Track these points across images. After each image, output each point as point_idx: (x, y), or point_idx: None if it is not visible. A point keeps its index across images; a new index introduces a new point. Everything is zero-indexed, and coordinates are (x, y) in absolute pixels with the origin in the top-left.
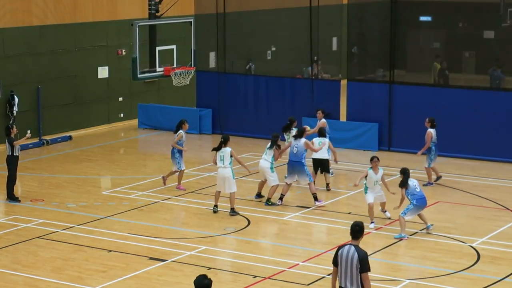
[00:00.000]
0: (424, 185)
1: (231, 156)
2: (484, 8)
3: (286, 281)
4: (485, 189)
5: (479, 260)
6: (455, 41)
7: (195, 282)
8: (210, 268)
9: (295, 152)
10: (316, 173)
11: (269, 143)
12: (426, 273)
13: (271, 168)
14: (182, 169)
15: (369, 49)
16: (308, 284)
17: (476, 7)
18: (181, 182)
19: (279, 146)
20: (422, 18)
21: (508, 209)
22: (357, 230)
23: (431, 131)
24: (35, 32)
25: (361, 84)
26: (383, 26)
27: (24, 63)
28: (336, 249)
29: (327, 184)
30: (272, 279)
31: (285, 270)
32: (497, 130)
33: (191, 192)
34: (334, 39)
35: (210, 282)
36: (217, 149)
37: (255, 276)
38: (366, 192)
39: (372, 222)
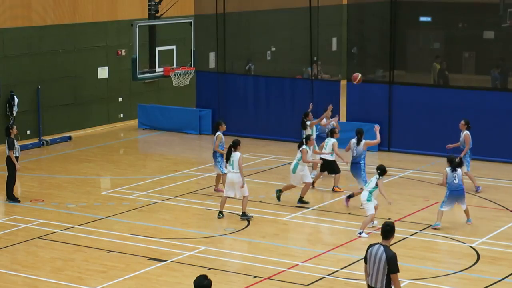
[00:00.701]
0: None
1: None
2: (484, 8)
3: (286, 282)
4: (485, 190)
5: (479, 260)
6: (455, 41)
7: (194, 282)
8: (209, 269)
9: (354, 154)
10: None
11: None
12: (426, 274)
13: (294, 169)
14: (224, 172)
15: (369, 50)
16: (308, 285)
17: (476, 7)
18: (219, 184)
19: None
20: (422, 19)
21: (508, 209)
22: (388, 230)
23: (469, 133)
24: (35, 33)
25: (361, 84)
26: (383, 26)
27: (23, 64)
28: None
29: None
30: (272, 279)
31: (284, 271)
32: (497, 130)
33: (191, 192)
34: (334, 40)
35: (209, 282)
36: (227, 155)
37: (255, 277)
38: (370, 200)
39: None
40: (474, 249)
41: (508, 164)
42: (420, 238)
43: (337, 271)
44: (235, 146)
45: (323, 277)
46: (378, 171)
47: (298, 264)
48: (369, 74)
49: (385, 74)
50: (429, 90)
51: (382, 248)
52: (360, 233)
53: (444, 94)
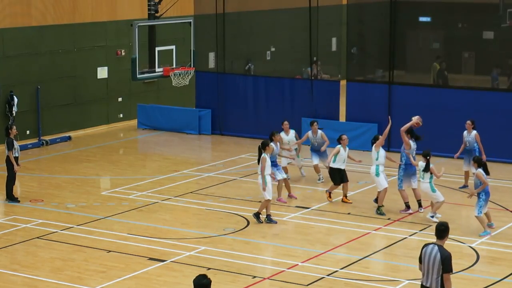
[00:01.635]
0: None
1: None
2: (483, 8)
3: (286, 282)
4: None
5: (479, 260)
6: (455, 41)
7: (194, 282)
8: (209, 269)
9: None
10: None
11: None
12: None
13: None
14: (279, 179)
15: (369, 50)
16: (308, 285)
17: (475, 7)
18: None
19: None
20: (422, 19)
21: (507, 209)
22: (442, 230)
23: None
24: (35, 33)
25: (360, 84)
26: (383, 26)
27: (23, 64)
28: (421, 247)
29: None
30: (272, 279)
31: (284, 271)
32: (496, 130)
33: (191, 192)
34: (334, 40)
35: (209, 282)
36: (258, 156)
37: (254, 277)
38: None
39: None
40: (474, 249)
41: (507, 164)
42: (419, 238)
43: (336, 271)
44: (263, 147)
45: (323, 277)
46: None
47: (297, 264)
48: (369, 74)
49: (384, 74)
50: (428, 90)
51: (436, 247)
52: (432, 216)
53: (444, 94)
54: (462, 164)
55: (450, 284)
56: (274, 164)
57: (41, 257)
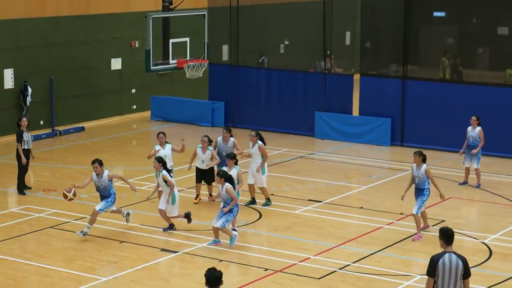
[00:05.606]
0: (476, 186)
1: None
2: (498, 4)
3: (297, 275)
4: (497, 186)
5: (491, 256)
6: (469, 37)
7: (205, 274)
8: (221, 261)
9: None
10: None
11: None
12: None
13: None
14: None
15: (383, 44)
16: (319, 278)
17: (490, 3)
18: None
19: None
20: (436, 14)
21: None
22: (451, 235)
23: (482, 129)
24: (49, 24)
25: (374, 79)
26: (397, 21)
27: (37, 54)
28: (430, 259)
29: None
30: (283, 272)
31: (296, 264)
32: (509, 126)
33: (203, 184)
34: (347, 34)
35: (220, 274)
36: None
37: (266, 269)
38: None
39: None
40: (487, 245)
41: None
42: (432, 233)
43: (348, 265)
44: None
45: (335, 271)
46: None
47: (309, 258)
48: (383, 68)
49: (398, 68)
50: (442, 86)
51: (454, 255)
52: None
53: (458, 89)
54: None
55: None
56: None
57: (53, 246)
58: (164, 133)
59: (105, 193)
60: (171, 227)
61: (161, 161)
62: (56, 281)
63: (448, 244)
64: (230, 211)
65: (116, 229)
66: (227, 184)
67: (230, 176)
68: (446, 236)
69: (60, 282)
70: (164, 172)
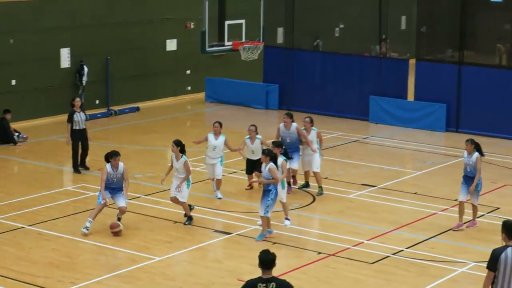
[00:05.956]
0: None
1: None
2: None
3: (350, 259)
4: None
5: None
6: None
7: (259, 256)
8: (274, 243)
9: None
10: None
11: None
12: None
13: None
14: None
15: (439, 29)
16: (372, 263)
17: None
18: None
19: None
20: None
21: None
22: None
23: None
24: (106, 4)
25: (429, 64)
26: (453, 6)
27: (93, 34)
28: (492, 252)
29: None
30: (336, 256)
31: (349, 248)
32: None
33: (255, 175)
34: (403, 18)
35: (274, 257)
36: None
37: (320, 253)
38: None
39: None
40: None
41: None
42: (487, 220)
43: (402, 250)
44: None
45: (388, 256)
46: None
47: (363, 242)
48: (438, 54)
49: (454, 54)
50: (498, 72)
51: None
52: None
53: None
54: None
55: None
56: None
57: (108, 225)
58: (220, 123)
59: (118, 185)
60: (190, 219)
61: (179, 145)
62: (110, 259)
63: (510, 238)
64: (268, 193)
65: (170, 209)
66: (271, 163)
67: (275, 155)
68: (509, 230)
69: (114, 260)
70: (185, 157)
